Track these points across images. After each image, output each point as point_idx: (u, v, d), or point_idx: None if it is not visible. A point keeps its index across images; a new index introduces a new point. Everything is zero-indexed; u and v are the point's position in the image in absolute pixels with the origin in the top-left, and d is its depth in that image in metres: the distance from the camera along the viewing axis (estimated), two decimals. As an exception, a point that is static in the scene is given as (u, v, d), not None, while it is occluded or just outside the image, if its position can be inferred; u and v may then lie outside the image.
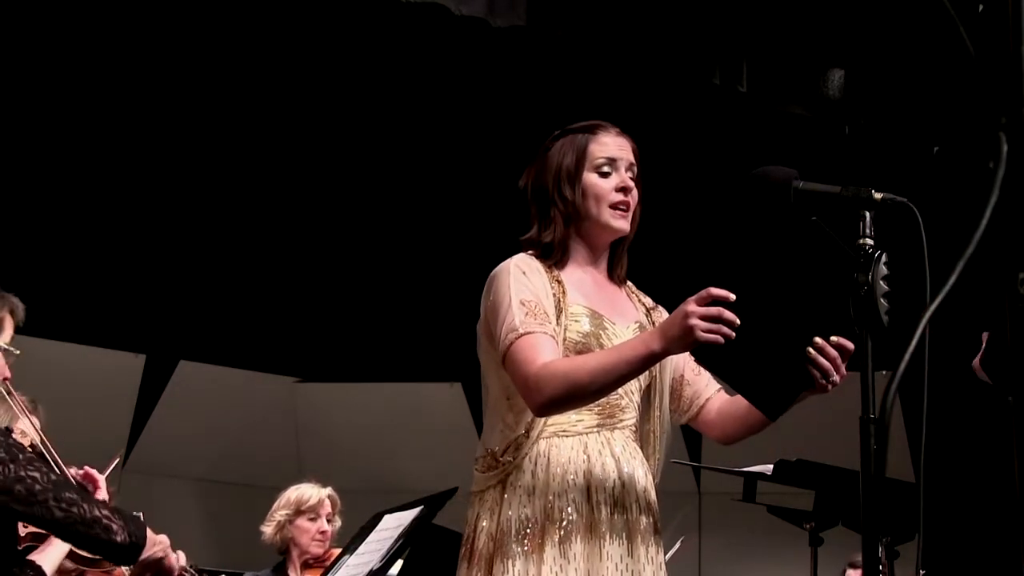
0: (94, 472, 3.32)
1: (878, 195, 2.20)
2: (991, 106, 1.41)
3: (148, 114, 7.02)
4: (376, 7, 5.80)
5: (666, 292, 2.85)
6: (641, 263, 2.80)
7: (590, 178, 2.62)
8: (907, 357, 1.66)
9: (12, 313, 2.84)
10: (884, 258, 2.13)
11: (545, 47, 5.83)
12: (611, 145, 2.65)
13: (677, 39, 5.54)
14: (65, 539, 2.49)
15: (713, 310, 2.25)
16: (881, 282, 2.12)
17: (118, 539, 2.36)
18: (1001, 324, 1.39)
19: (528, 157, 2.80)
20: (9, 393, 3.06)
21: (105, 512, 2.38)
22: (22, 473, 2.32)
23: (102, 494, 3.22)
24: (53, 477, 2.37)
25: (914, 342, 1.65)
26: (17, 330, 2.99)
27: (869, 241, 2.16)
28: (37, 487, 2.33)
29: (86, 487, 2.51)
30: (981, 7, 1.42)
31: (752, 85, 5.69)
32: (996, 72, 1.41)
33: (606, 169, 2.63)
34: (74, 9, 6.24)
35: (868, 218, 2.18)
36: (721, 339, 2.25)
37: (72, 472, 3.20)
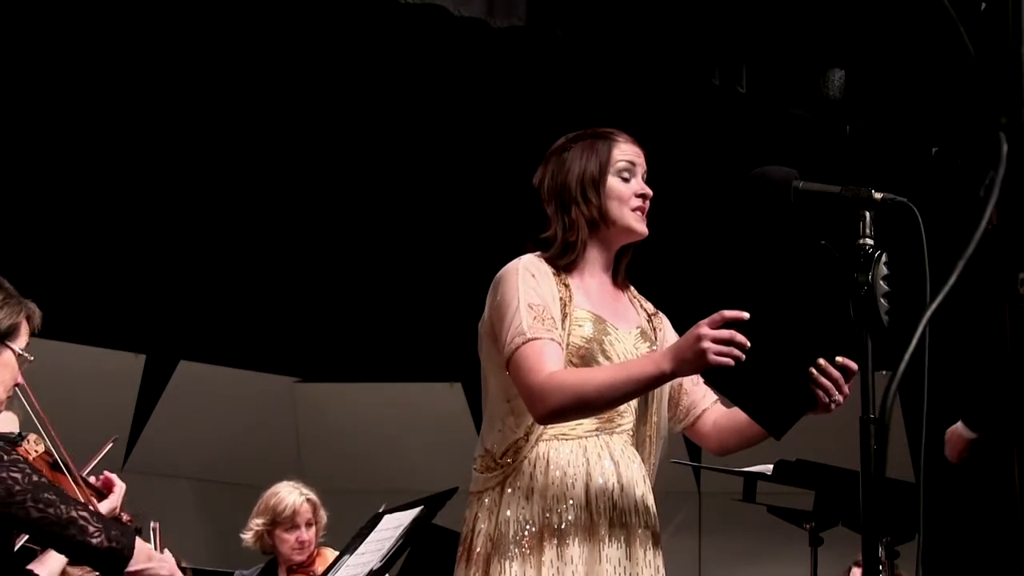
0: (113, 476, 3.30)
1: (878, 195, 2.21)
2: (991, 106, 1.41)
3: (148, 114, 7.02)
4: (375, 8, 5.79)
5: (666, 294, 2.86)
6: (641, 265, 2.80)
7: (613, 182, 2.65)
8: (907, 357, 1.66)
9: (29, 319, 2.83)
10: (884, 258, 2.14)
11: (545, 47, 5.83)
12: (629, 151, 2.68)
13: (676, 40, 5.54)
14: (42, 541, 2.46)
15: (725, 333, 2.27)
16: (881, 282, 2.12)
17: (94, 541, 2.32)
18: (1001, 324, 1.39)
19: (528, 157, 2.80)
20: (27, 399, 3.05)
21: (83, 514, 2.34)
22: (3, 474, 2.30)
23: (116, 498, 3.21)
24: (35, 479, 2.34)
25: (914, 342, 1.65)
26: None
27: (869, 241, 2.16)
28: (16, 487, 2.31)
29: (65, 492, 2.46)
30: (983, 6, 1.42)
31: (751, 86, 5.70)
32: (996, 72, 1.41)
33: (626, 174, 2.66)
34: (74, 9, 6.24)
35: (868, 218, 2.18)
36: (732, 362, 2.26)
37: (93, 480, 3.19)
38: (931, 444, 2.00)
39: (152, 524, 3.37)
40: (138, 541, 2.43)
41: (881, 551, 1.99)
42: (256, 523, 4.75)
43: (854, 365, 2.41)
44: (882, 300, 2.11)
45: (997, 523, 3.11)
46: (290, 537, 4.71)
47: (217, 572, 5.26)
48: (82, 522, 2.33)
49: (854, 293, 2.12)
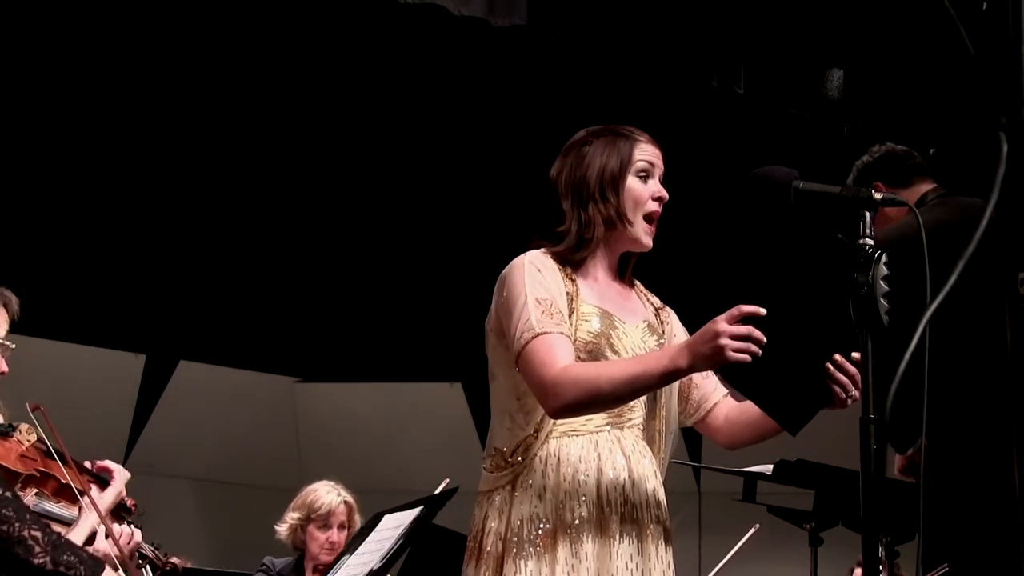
0: (109, 464, 3.33)
1: (878, 195, 2.21)
2: (991, 106, 1.41)
3: (148, 114, 7.02)
4: (375, 8, 5.79)
5: (667, 295, 2.86)
6: (642, 265, 2.80)
7: (632, 182, 2.64)
8: (907, 357, 1.66)
9: (6, 307, 2.84)
10: (884, 258, 2.14)
11: (545, 47, 5.83)
12: (649, 152, 2.68)
13: (675, 41, 5.54)
14: None
15: (743, 329, 2.26)
16: (881, 282, 2.12)
17: (36, 562, 2.33)
18: (1001, 324, 1.39)
19: (529, 156, 2.80)
20: None
21: (35, 534, 2.35)
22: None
23: (117, 486, 3.23)
24: None
25: (914, 342, 1.65)
26: (16, 329, 2.99)
27: (869, 241, 2.16)
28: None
29: (27, 510, 2.47)
30: (985, 5, 1.42)
31: (750, 87, 5.70)
32: (996, 72, 1.41)
33: (645, 175, 2.66)
34: (74, 9, 6.24)
35: (868, 218, 2.18)
36: (749, 358, 2.26)
37: (88, 464, 3.22)
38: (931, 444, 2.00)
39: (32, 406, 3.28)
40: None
41: (881, 551, 1.99)
42: (292, 517, 4.81)
43: None
44: (882, 300, 2.11)
45: (997, 522, 3.11)
46: (321, 536, 4.76)
47: (217, 572, 5.25)
48: (30, 542, 2.33)
49: (854, 293, 2.12)
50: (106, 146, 7.10)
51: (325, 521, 4.76)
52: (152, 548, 3.89)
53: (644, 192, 2.64)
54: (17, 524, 2.31)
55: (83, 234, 7.35)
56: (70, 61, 6.57)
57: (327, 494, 4.80)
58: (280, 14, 6.44)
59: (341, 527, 4.78)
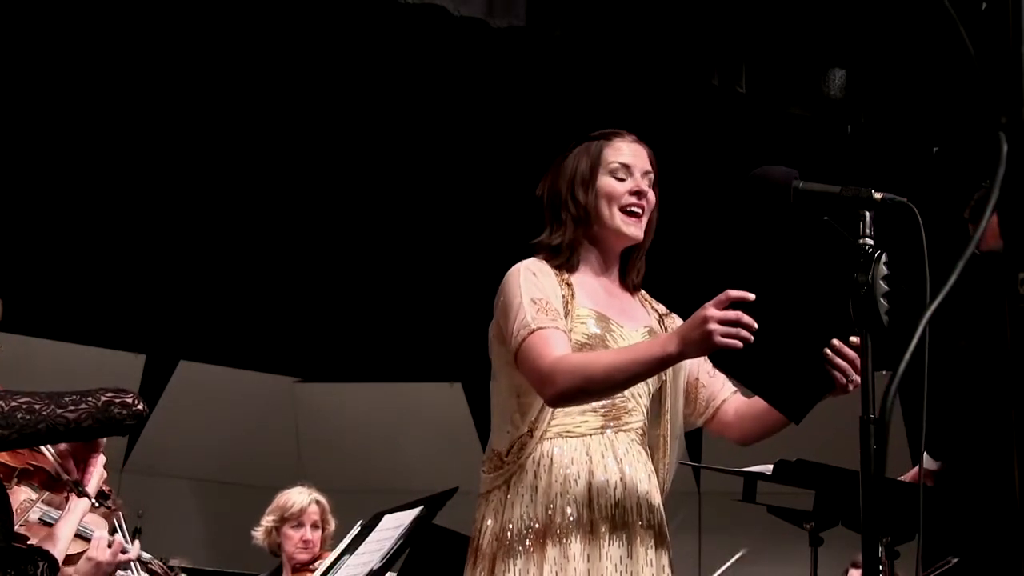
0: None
1: (878, 195, 2.21)
2: (991, 106, 1.41)
3: (148, 114, 7.02)
4: (375, 8, 5.80)
5: (665, 295, 2.86)
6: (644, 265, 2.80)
7: (604, 181, 2.65)
8: (907, 357, 1.66)
9: None
10: (884, 258, 2.13)
11: (544, 48, 5.82)
12: (626, 151, 2.68)
13: (676, 40, 5.54)
14: (90, 435, 2.41)
15: (732, 314, 2.26)
16: (881, 282, 2.11)
17: (138, 405, 2.30)
18: (1001, 324, 1.39)
19: (528, 156, 2.80)
20: None
21: (108, 393, 2.32)
22: (14, 403, 2.28)
23: (99, 470, 3.23)
24: (43, 394, 2.33)
25: (914, 342, 1.65)
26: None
27: (869, 241, 2.16)
28: (36, 405, 2.29)
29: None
30: (984, 5, 1.42)
31: (751, 86, 5.69)
32: (996, 72, 1.41)
33: (621, 175, 2.66)
34: (74, 9, 6.24)
35: (868, 218, 2.18)
36: (739, 344, 2.25)
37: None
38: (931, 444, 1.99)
39: None
40: None
41: (881, 551, 1.99)
42: (267, 520, 4.93)
43: None
44: (882, 300, 2.10)
45: (997, 523, 3.11)
46: (295, 535, 4.86)
47: (217, 572, 5.28)
48: (110, 395, 2.28)
49: (854, 293, 2.12)
50: (105, 146, 7.10)
51: (298, 520, 4.88)
52: (161, 564, 3.91)
53: (618, 188, 2.64)
54: (90, 398, 2.28)
55: (83, 234, 7.35)
56: (70, 61, 6.57)
57: (298, 495, 4.94)
58: (280, 14, 6.44)
59: (314, 526, 4.89)
